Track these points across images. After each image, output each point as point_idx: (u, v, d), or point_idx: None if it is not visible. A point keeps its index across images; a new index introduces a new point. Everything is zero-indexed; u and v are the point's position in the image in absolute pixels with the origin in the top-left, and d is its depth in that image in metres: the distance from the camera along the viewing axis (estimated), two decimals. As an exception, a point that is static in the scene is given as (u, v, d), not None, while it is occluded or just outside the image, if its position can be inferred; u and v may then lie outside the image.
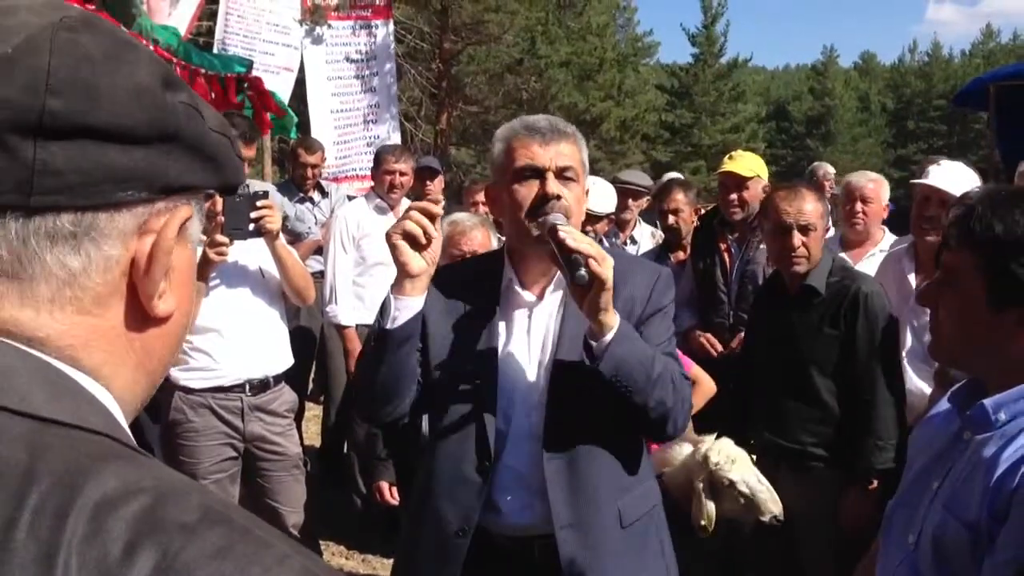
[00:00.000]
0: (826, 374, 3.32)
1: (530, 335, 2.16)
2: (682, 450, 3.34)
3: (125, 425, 0.71)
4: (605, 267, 1.87)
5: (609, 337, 1.94)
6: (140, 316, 0.73)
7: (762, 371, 3.54)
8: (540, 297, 2.18)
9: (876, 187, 4.75)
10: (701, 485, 3.17)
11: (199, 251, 3.45)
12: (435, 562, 2.14)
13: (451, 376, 2.14)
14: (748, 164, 4.58)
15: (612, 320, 1.95)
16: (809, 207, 3.37)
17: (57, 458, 0.61)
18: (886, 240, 4.70)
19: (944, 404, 1.78)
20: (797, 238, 3.34)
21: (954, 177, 3.83)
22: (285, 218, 5.08)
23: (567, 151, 2.10)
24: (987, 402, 1.57)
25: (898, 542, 1.71)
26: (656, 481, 2.35)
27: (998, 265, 1.53)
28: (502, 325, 2.16)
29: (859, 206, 4.65)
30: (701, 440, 3.29)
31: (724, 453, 3.19)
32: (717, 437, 3.27)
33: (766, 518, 3.13)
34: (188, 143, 0.73)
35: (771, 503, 3.13)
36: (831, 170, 7.79)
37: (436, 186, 6.11)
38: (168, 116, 0.71)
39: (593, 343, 1.97)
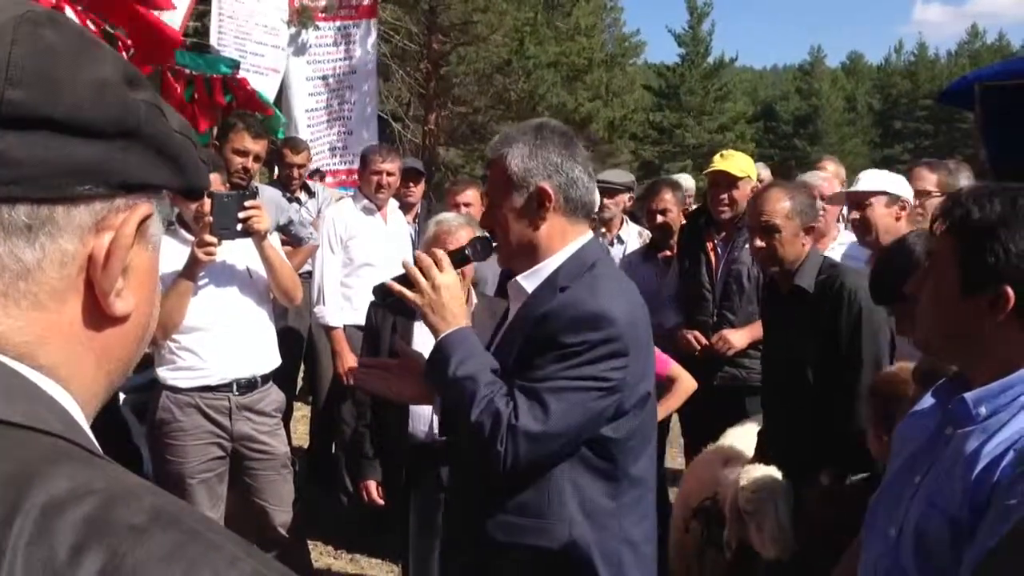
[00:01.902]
0: (816, 373, 3.24)
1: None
2: (727, 472, 3.33)
3: (85, 425, 0.70)
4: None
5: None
6: (98, 314, 0.72)
7: (764, 372, 3.56)
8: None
9: (830, 185, 4.81)
10: (728, 507, 3.13)
11: (187, 251, 3.45)
12: None
13: None
14: (739, 164, 4.59)
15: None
16: (769, 207, 3.37)
17: (8, 460, 0.60)
18: (843, 236, 4.75)
19: (928, 399, 1.79)
20: (757, 240, 3.40)
21: (876, 182, 3.85)
22: (290, 223, 5.06)
23: None
24: (968, 396, 1.59)
25: (880, 535, 1.73)
26: None
27: (971, 248, 1.55)
28: None
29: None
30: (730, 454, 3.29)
31: (751, 478, 3.10)
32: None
33: (767, 555, 2.99)
34: (149, 141, 0.73)
35: (774, 545, 2.96)
36: (764, 172, 7.63)
37: (418, 189, 5.99)
38: (129, 112, 0.71)
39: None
